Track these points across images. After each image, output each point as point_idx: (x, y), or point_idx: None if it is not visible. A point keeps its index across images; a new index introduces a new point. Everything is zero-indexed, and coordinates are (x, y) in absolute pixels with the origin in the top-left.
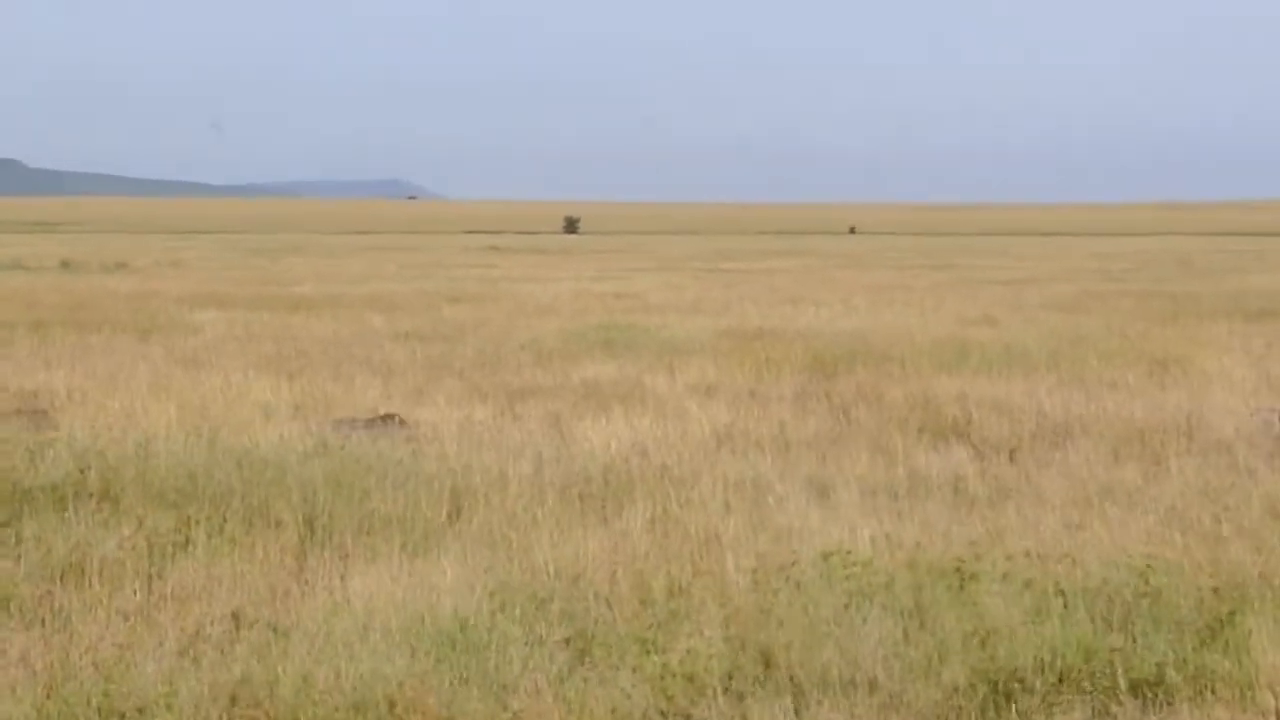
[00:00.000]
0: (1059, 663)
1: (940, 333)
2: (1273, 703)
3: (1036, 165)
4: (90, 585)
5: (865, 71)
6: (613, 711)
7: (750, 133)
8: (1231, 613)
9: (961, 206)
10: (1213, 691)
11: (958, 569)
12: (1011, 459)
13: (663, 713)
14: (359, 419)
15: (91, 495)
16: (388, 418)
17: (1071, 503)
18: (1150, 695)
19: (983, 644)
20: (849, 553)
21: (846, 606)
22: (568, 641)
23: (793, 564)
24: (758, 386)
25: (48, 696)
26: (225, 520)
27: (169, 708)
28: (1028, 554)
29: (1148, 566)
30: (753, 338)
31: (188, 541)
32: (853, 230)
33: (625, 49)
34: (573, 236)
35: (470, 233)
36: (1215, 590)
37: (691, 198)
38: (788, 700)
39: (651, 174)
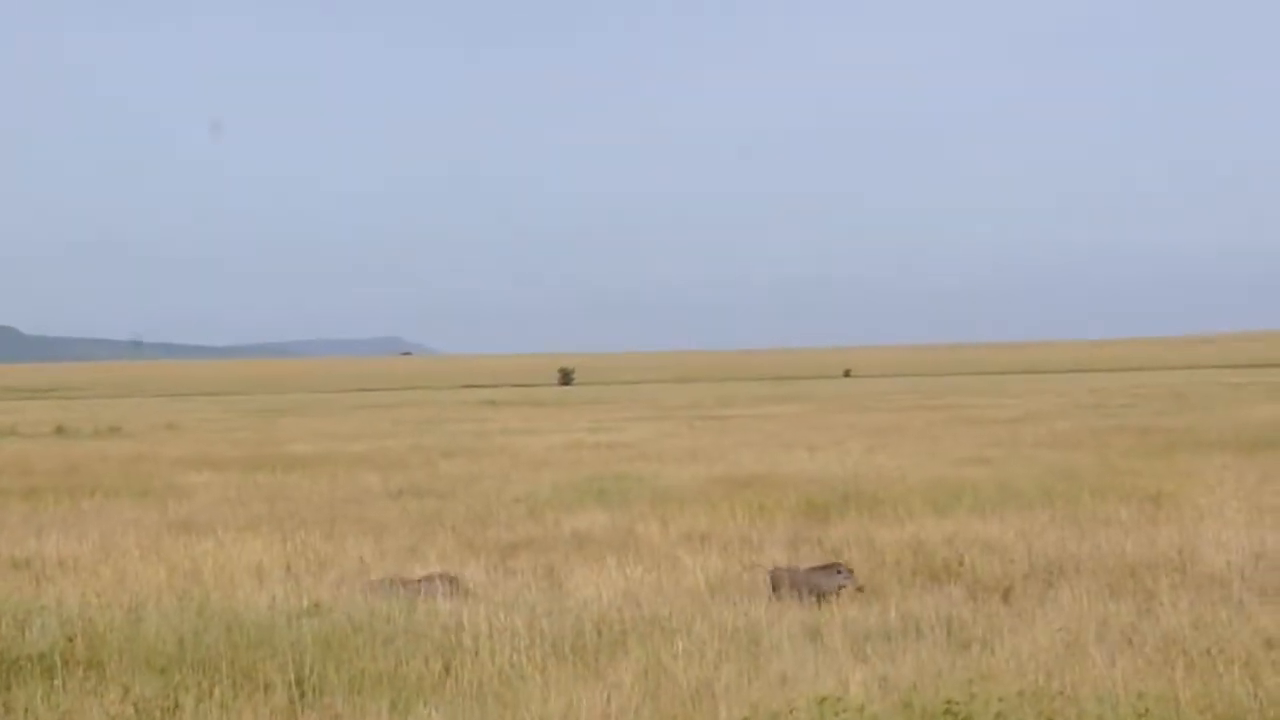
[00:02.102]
0: None
1: (934, 473)
2: None
3: (1030, 302)
4: None
5: (863, 215)
6: None
7: (745, 279)
8: None
9: (956, 346)
10: None
11: (950, 711)
12: (1005, 599)
13: None
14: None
15: (79, 663)
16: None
17: (1065, 641)
18: None
19: None
20: (840, 699)
21: None
22: None
23: (787, 711)
24: (751, 533)
25: None
26: (214, 685)
27: None
28: (1020, 693)
29: (1143, 705)
30: (746, 484)
31: (176, 707)
32: (848, 373)
33: (618, 201)
34: (568, 388)
35: (466, 387)
36: None
37: (687, 345)
38: None
39: (647, 323)
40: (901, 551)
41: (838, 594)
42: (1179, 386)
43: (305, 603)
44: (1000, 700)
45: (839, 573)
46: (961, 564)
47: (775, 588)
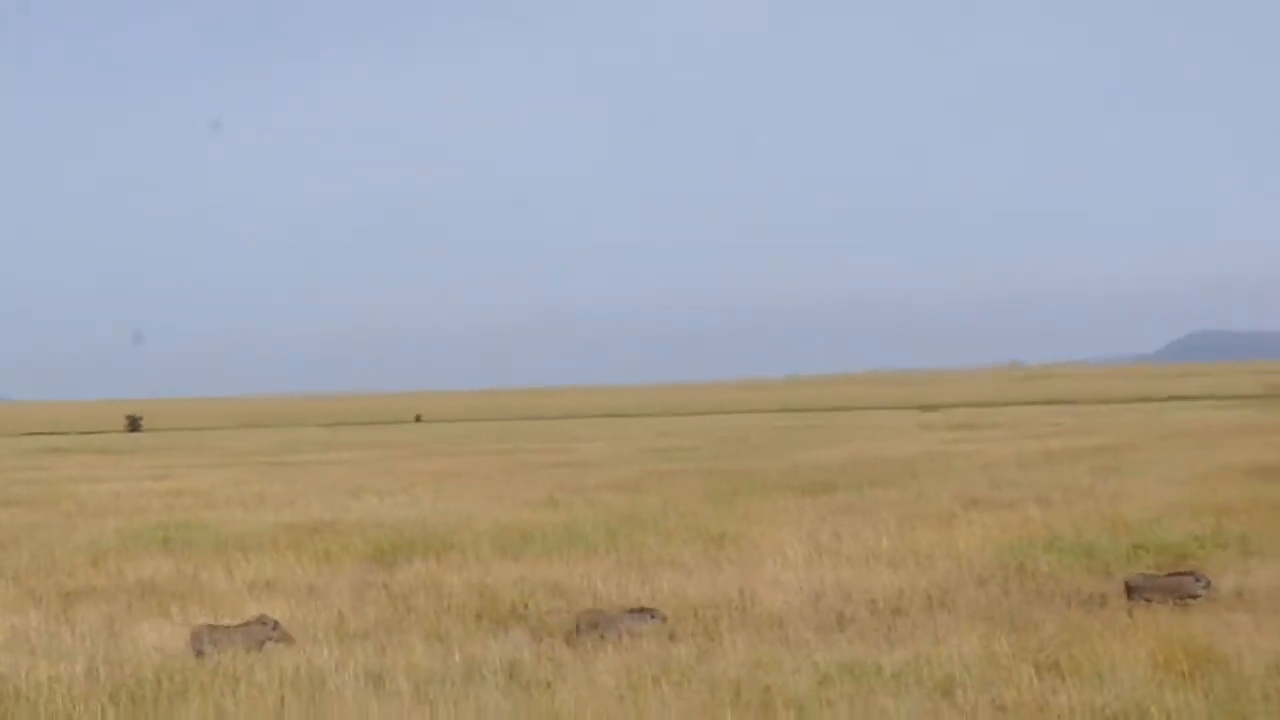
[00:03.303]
0: None
1: (502, 518)
2: None
3: (604, 347)
4: None
5: (444, 253)
6: None
7: (316, 323)
8: None
9: (526, 390)
10: None
11: None
12: (569, 641)
13: None
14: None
15: None
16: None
17: (625, 683)
18: None
19: None
20: None
21: None
22: None
23: None
24: (317, 579)
25: None
26: None
27: None
28: None
29: None
30: (313, 530)
31: None
32: (419, 418)
33: (185, 243)
34: (136, 435)
35: (31, 434)
36: None
37: (256, 390)
38: None
39: (215, 369)
40: (468, 595)
41: (648, 636)
42: (743, 430)
43: None
44: None
45: (651, 617)
46: (528, 607)
47: (580, 630)
